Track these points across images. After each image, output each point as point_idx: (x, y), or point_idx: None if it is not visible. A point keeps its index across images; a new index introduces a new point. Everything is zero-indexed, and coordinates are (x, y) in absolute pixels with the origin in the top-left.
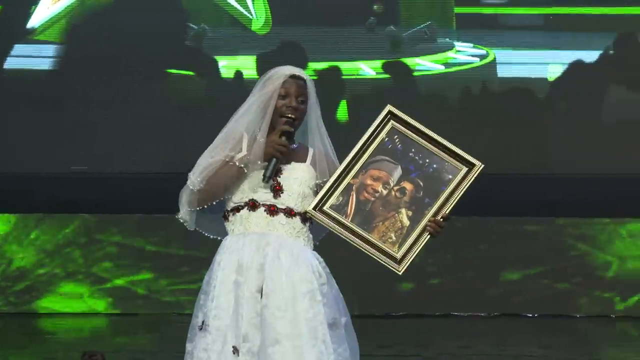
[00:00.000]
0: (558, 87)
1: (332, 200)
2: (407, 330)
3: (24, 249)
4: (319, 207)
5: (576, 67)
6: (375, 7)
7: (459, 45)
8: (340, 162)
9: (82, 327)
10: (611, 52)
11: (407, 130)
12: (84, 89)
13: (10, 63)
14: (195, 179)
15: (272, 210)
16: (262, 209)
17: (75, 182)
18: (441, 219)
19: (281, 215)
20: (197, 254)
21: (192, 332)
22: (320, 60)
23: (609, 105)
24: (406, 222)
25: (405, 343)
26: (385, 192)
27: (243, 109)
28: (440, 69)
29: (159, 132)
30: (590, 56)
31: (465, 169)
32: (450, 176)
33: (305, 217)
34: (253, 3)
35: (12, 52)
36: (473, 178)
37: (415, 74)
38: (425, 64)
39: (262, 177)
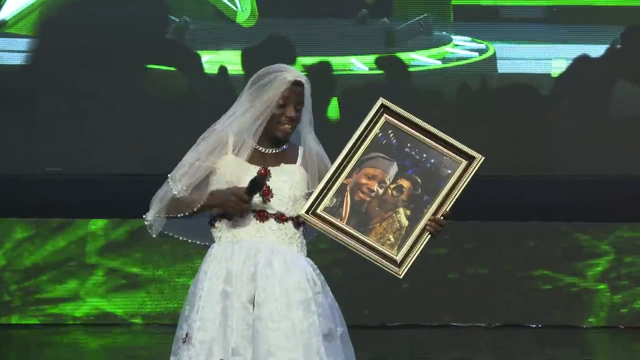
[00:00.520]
0: (562, 83)
1: (325, 202)
2: (403, 342)
3: None
4: (312, 210)
5: (581, 62)
6: None
7: (456, 39)
8: (332, 161)
9: None
10: (618, 45)
11: (401, 124)
12: (58, 85)
13: None
14: (179, 184)
15: (261, 215)
16: (250, 215)
17: (50, 184)
18: (442, 217)
19: (272, 220)
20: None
21: (176, 345)
22: (310, 54)
23: (616, 102)
24: (405, 222)
25: (401, 355)
26: (381, 191)
27: (237, 113)
28: (437, 64)
29: (138, 131)
30: (597, 50)
31: (464, 163)
32: (450, 171)
33: (298, 222)
34: None
35: None
36: (473, 172)
37: (411, 69)
38: (421, 59)
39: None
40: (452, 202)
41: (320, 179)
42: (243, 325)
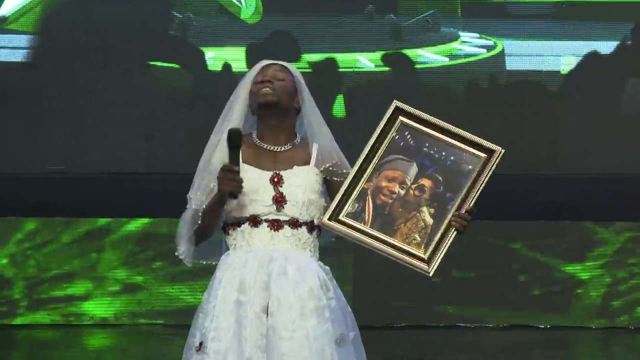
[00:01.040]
0: (572, 80)
1: (347, 207)
2: (409, 343)
3: None
4: (334, 217)
5: (591, 58)
6: None
7: (464, 35)
8: (347, 161)
9: None
10: (629, 42)
11: (417, 125)
12: (59, 83)
13: None
14: (195, 197)
15: (275, 225)
16: (264, 224)
17: (52, 182)
18: (466, 213)
19: (286, 227)
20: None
21: (188, 353)
22: (315, 51)
23: (627, 99)
24: (429, 221)
25: (407, 356)
26: (402, 192)
27: (223, 113)
28: (445, 61)
29: (141, 128)
30: (607, 47)
31: (484, 157)
32: (470, 167)
33: (312, 226)
34: None
35: None
36: (495, 165)
37: (418, 66)
38: (428, 56)
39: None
40: (476, 197)
41: (336, 174)
42: (257, 335)
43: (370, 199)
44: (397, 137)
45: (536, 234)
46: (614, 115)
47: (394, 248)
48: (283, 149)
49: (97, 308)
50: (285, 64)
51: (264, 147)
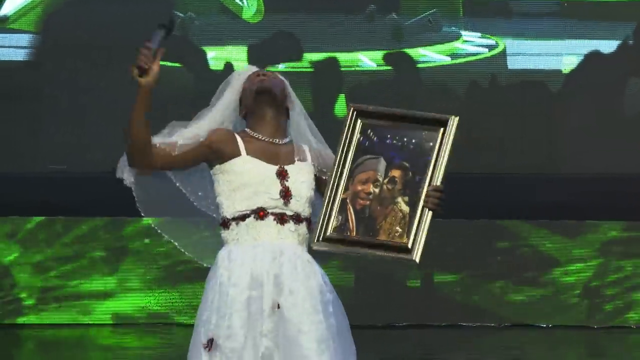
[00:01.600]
0: (573, 80)
1: (332, 223)
2: (411, 342)
3: None
4: (321, 237)
5: (593, 58)
6: None
7: (466, 34)
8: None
9: None
10: (631, 41)
11: (377, 121)
12: (61, 82)
13: None
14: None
15: (282, 219)
16: (271, 217)
17: (53, 182)
18: (435, 191)
19: (290, 222)
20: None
21: (194, 351)
22: (317, 50)
23: (628, 98)
24: (406, 209)
25: (409, 356)
26: (377, 190)
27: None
28: (446, 60)
29: None
30: (608, 46)
31: (441, 130)
32: (431, 143)
33: (309, 223)
34: None
35: None
36: (451, 134)
37: (419, 65)
38: (429, 55)
39: None
40: (442, 171)
41: (324, 173)
42: (271, 330)
43: (350, 207)
44: (361, 138)
45: (537, 233)
46: (616, 114)
47: (380, 247)
48: (282, 142)
49: (113, 306)
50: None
51: (264, 139)
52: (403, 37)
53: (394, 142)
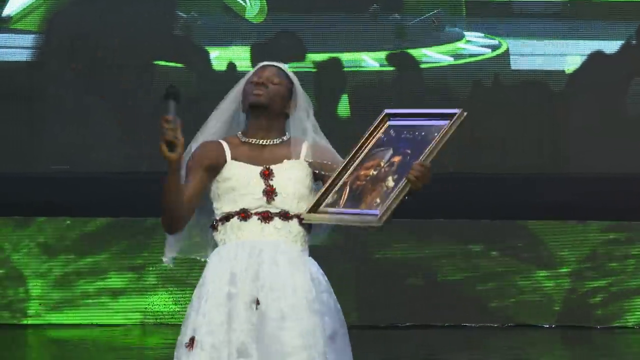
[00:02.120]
0: (576, 80)
1: (327, 200)
2: (414, 343)
3: None
4: (313, 209)
5: (596, 58)
6: None
7: (469, 35)
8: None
9: None
10: (634, 42)
11: (402, 121)
12: (64, 82)
13: None
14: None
15: (265, 216)
16: (255, 217)
17: (57, 182)
18: (419, 165)
19: (276, 219)
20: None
21: (179, 351)
22: (320, 51)
23: (632, 98)
24: (391, 184)
25: (411, 356)
26: (375, 172)
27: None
28: (449, 60)
29: (146, 129)
30: (611, 46)
31: (447, 122)
32: (436, 134)
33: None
34: None
35: None
36: (453, 124)
37: (422, 65)
38: (432, 55)
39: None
40: (430, 151)
41: (328, 167)
42: (248, 326)
43: (347, 188)
44: (383, 137)
45: (538, 233)
46: (619, 114)
47: (355, 215)
48: (272, 142)
49: (118, 306)
50: (283, 67)
51: (252, 142)
52: (406, 37)
53: (408, 135)
